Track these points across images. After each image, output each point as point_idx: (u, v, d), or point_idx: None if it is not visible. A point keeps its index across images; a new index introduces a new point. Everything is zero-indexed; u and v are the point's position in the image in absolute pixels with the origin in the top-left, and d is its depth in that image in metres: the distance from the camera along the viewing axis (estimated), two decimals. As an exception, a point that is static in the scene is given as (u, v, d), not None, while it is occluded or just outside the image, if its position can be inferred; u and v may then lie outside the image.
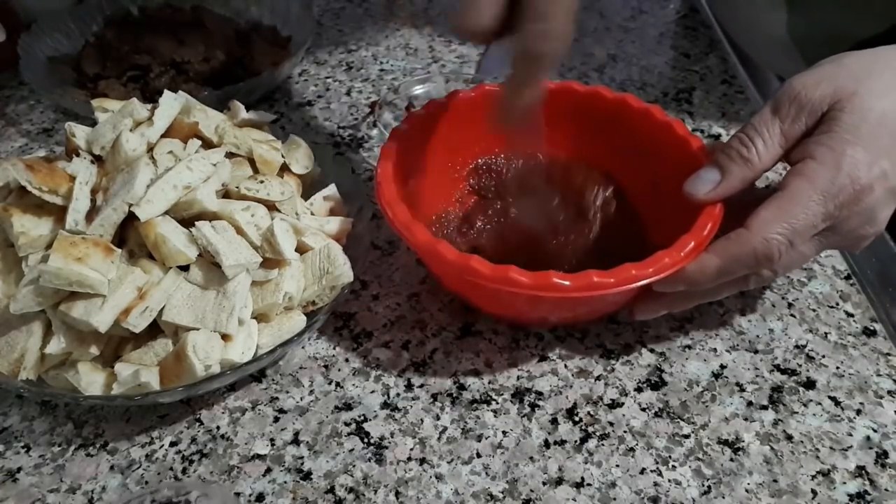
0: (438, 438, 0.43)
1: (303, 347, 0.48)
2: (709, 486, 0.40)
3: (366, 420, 0.44)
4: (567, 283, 0.38)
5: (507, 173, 0.54)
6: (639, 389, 0.45)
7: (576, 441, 0.42)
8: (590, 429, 0.43)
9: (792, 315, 0.49)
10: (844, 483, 0.40)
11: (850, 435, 0.42)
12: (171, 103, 0.49)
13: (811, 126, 0.42)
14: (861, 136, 0.40)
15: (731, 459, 0.41)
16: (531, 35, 0.37)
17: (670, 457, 0.41)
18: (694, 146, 0.47)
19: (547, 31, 0.37)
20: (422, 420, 0.44)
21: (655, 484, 0.40)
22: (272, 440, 0.43)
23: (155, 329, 0.42)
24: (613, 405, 0.44)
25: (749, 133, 0.42)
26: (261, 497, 0.40)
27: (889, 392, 0.45)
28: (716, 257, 0.40)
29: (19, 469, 0.42)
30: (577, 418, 0.44)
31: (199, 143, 0.48)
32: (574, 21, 0.38)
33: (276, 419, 0.44)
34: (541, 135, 0.47)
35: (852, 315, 0.49)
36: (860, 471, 0.41)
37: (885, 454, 0.41)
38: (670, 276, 0.40)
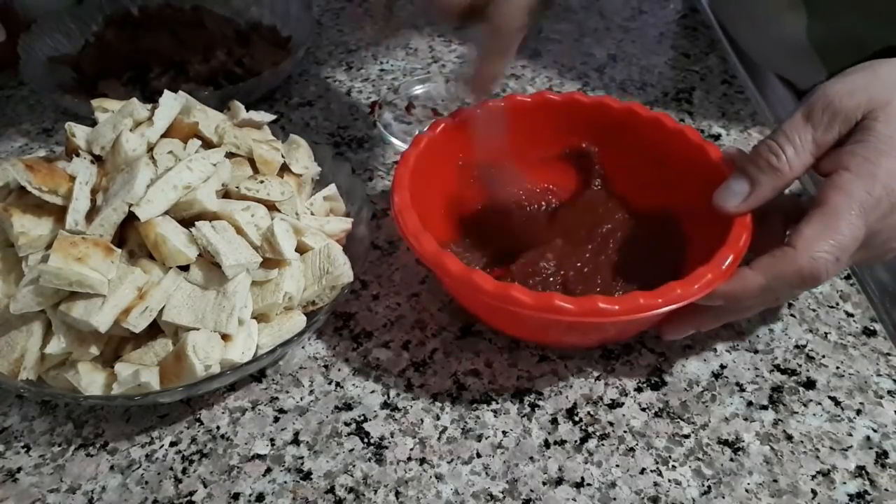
0: (438, 438, 0.43)
1: (303, 347, 0.48)
2: (709, 486, 0.40)
3: (366, 420, 0.44)
4: (615, 307, 0.37)
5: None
6: (639, 389, 0.45)
7: (576, 441, 0.42)
8: (590, 429, 0.43)
9: (792, 315, 0.49)
10: (844, 483, 0.40)
11: (850, 435, 0.42)
12: (171, 103, 0.48)
13: (844, 135, 0.41)
14: (895, 147, 0.39)
15: (731, 459, 0.41)
16: (499, 13, 0.42)
17: (670, 457, 0.42)
18: (710, 153, 0.46)
19: (512, 8, 0.42)
20: (422, 420, 0.44)
21: (655, 484, 0.40)
22: (272, 440, 0.43)
23: (155, 329, 0.42)
24: (613, 405, 0.44)
25: (779, 140, 0.41)
26: (261, 497, 0.40)
27: (889, 392, 0.45)
28: (760, 276, 0.39)
29: (19, 469, 0.42)
30: (577, 418, 0.44)
31: (199, 143, 0.48)
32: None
33: (276, 419, 0.44)
34: (506, 136, 0.50)
35: (852, 315, 0.49)
36: (860, 471, 0.41)
37: (885, 454, 0.42)
38: (713, 291, 0.39)
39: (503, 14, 0.42)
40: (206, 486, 0.41)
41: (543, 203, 0.55)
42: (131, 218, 0.42)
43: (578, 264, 0.48)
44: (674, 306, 0.38)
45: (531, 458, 0.42)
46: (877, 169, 0.39)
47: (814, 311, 0.50)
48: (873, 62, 0.43)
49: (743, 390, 0.45)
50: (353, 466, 0.41)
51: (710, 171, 0.45)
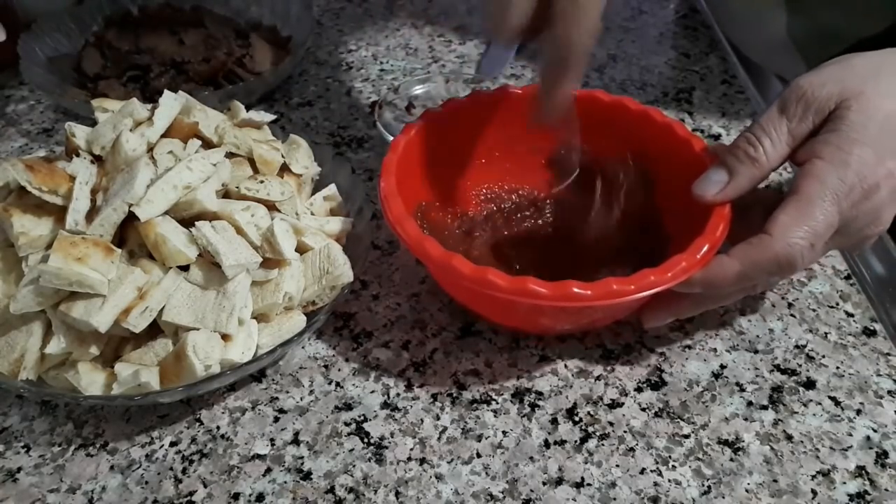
0: (438, 438, 0.43)
1: (303, 347, 0.48)
2: (709, 486, 0.40)
3: (366, 420, 0.44)
4: (588, 292, 0.38)
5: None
6: (639, 389, 0.45)
7: (576, 441, 0.42)
8: (590, 429, 0.43)
9: (792, 315, 0.49)
10: (844, 483, 0.40)
11: (850, 435, 0.42)
12: (171, 103, 0.48)
13: (818, 125, 0.41)
14: (868, 136, 0.40)
15: (731, 459, 0.41)
16: (559, 40, 0.39)
17: (670, 457, 0.42)
18: (696, 147, 0.47)
19: (573, 37, 0.39)
20: (422, 420, 0.44)
21: (655, 484, 0.40)
22: (272, 440, 0.43)
23: (155, 329, 0.42)
24: (613, 405, 0.44)
25: (756, 132, 0.42)
26: (261, 497, 0.40)
27: (889, 392, 0.45)
28: (737, 262, 0.40)
29: (19, 469, 0.42)
30: (577, 418, 0.44)
31: (199, 143, 0.48)
32: (600, 23, 0.40)
33: (276, 419, 0.44)
34: (577, 127, 0.48)
35: (852, 315, 0.49)
36: (860, 471, 0.41)
37: (885, 454, 0.42)
38: (690, 278, 0.40)
39: (568, 37, 0.40)
40: (206, 486, 0.41)
41: (532, 195, 0.55)
42: (131, 218, 0.42)
43: (563, 253, 0.49)
44: (648, 293, 0.39)
45: (531, 458, 0.42)
46: (849, 157, 0.39)
47: (814, 311, 0.50)
48: (848, 55, 0.43)
49: (743, 390, 0.45)
50: (353, 466, 0.41)
51: (694, 164, 0.46)
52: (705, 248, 0.40)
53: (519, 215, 0.54)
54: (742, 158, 0.42)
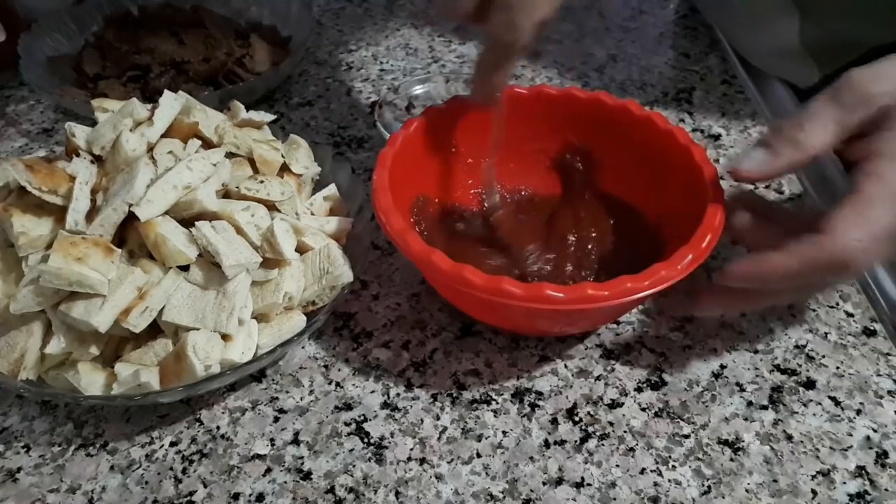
0: (438, 438, 0.43)
1: (303, 347, 0.48)
2: (709, 486, 0.40)
3: (366, 420, 0.44)
4: (561, 295, 0.38)
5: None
6: (639, 389, 0.45)
7: (576, 441, 0.42)
8: (590, 429, 0.43)
9: (792, 315, 0.49)
10: (844, 483, 0.40)
11: (850, 435, 0.42)
12: (171, 103, 0.48)
13: (866, 120, 0.40)
14: None
15: (731, 459, 0.41)
16: (496, 23, 0.42)
17: (670, 457, 0.42)
18: (695, 155, 0.46)
19: (512, 22, 0.41)
20: (422, 420, 0.44)
21: (655, 484, 0.40)
22: (272, 440, 0.43)
23: (155, 329, 0.42)
24: (613, 405, 0.44)
25: (804, 117, 0.41)
26: (261, 497, 0.40)
27: (889, 392, 0.45)
28: (786, 259, 0.39)
29: (19, 469, 0.42)
30: (577, 418, 0.44)
31: (199, 143, 0.48)
32: (544, 14, 0.42)
33: (276, 419, 0.44)
34: (503, 137, 0.51)
35: (852, 315, 0.49)
36: (860, 471, 0.41)
37: (885, 454, 0.42)
38: (742, 272, 0.39)
39: (500, 26, 0.42)
40: (206, 486, 0.41)
41: (533, 195, 0.56)
42: (131, 218, 0.42)
43: (556, 260, 0.50)
44: (624, 300, 0.38)
45: (531, 458, 0.42)
46: None
47: (814, 311, 0.50)
48: None
49: (743, 390, 0.45)
50: (353, 466, 0.41)
51: (691, 173, 0.45)
52: (688, 259, 0.40)
53: (519, 215, 0.54)
54: (786, 138, 0.41)
